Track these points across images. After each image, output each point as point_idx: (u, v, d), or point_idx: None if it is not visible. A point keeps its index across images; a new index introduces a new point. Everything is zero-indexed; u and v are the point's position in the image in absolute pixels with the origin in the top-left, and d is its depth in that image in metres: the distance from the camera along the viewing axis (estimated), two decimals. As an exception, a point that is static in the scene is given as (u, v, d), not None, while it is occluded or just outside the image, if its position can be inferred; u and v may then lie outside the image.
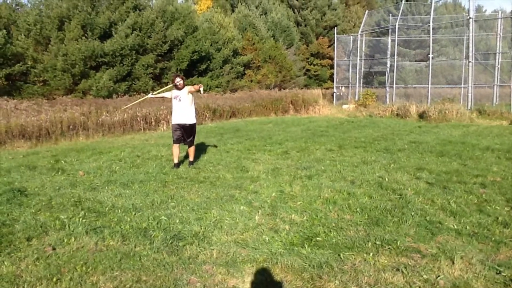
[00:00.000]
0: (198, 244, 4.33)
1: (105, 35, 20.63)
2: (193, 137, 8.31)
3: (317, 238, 4.40)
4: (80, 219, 5.03)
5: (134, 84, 21.21)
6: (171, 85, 8.54)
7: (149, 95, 8.93)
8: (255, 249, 4.19)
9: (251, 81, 28.66)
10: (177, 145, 8.15)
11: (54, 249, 4.20)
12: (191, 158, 8.34)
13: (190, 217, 5.12)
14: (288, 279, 3.59)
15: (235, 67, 27.64)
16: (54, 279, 3.59)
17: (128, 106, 11.37)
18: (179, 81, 8.10)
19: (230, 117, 18.33)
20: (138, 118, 14.57)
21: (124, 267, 3.81)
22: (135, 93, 20.44)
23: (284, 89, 25.65)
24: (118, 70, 20.28)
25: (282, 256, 3.99)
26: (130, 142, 11.79)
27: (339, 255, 4.00)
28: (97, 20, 20.24)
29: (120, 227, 4.80)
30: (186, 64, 23.44)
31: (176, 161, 8.14)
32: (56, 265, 3.86)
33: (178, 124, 8.14)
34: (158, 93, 9.06)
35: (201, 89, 8.28)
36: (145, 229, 4.73)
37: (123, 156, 9.39)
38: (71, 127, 12.78)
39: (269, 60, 29.84)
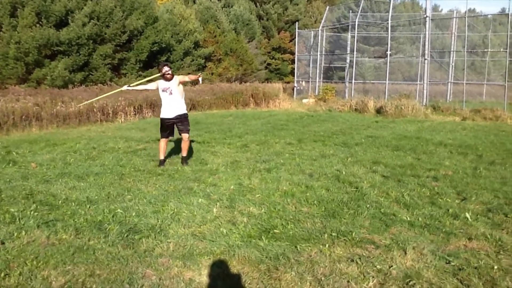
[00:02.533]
0: (155, 237, 4.27)
1: (61, 23, 19.93)
2: (188, 125, 7.61)
3: (275, 230, 4.42)
4: (32, 212, 4.86)
5: (92, 74, 20.65)
6: (157, 75, 7.77)
7: (125, 87, 7.98)
8: (213, 241, 4.17)
9: (212, 74, 28.46)
10: (165, 140, 7.59)
11: (3, 243, 4.04)
12: (184, 153, 7.64)
13: (147, 210, 5.04)
14: (245, 271, 3.59)
15: (196, 60, 27.37)
16: (2, 274, 3.45)
17: (93, 100, 10.56)
18: (167, 70, 7.29)
19: (190, 109, 18.05)
20: (94, 109, 14.19)
21: (77, 261, 3.71)
22: (92, 83, 19.93)
23: (245, 82, 25.60)
24: (74, 59, 19.68)
25: (239, 248, 3.99)
26: (86, 134, 11.49)
27: (296, 246, 4.03)
28: (53, 7, 19.53)
29: (73, 220, 4.68)
30: (146, 55, 23.02)
31: (162, 157, 7.55)
32: (4, 259, 3.72)
33: (169, 119, 7.48)
34: (137, 85, 8.16)
35: (201, 78, 7.66)
36: (100, 222, 4.63)
37: (78, 148, 9.14)
38: (24, 117, 12.31)
39: (230, 53, 29.71)
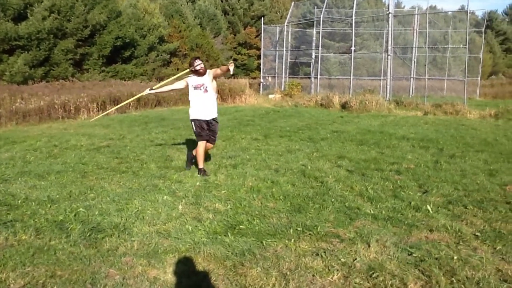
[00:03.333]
0: (118, 235, 4.19)
1: (20, 17, 19.32)
2: (217, 133, 6.86)
3: (241, 226, 4.42)
4: (-11, 213, 4.69)
5: (53, 70, 20.12)
6: (185, 71, 6.68)
7: (147, 92, 6.84)
8: (178, 239, 4.13)
9: (178, 69, 28.17)
10: (205, 142, 6.60)
11: (-43, 245, 3.88)
12: (200, 165, 6.63)
13: (111, 208, 4.94)
14: (210, 268, 3.57)
15: (161, 55, 27.06)
16: (-43, 278, 3.32)
17: (108, 111, 8.67)
18: (199, 64, 6.37)
19: (156, 106, 17.93)
20: (56, 106, 13.81)
21: (37, 262, 3.60)
22: (53, 79, 19.39)
23: (211, 78, 25.44)
24: (34, 54, 19.11)
25: (205, 245, 3.96)
26: (47, 131, 11.17)
27: (261, 242, 4.03)
28: (10, 0, 18.88)
29: (33, 220, 4.54)
30: (109, 50, 22.61)
31: (202, 165, 6.54)
32: (-41, 263, 3.57)
33: (205, 121, 6.55)
34: (162, 86, 7.10)
35: (232, 68, 6.19)
36: (61, 222, 4.50)
37: (38, 145, 8.88)
38: (-20, 114, 11.89)
39: (196, 48, 29.50)
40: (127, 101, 7.62)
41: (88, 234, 4.19)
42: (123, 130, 11.09)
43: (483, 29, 30.79)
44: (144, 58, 25.48)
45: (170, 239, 4.13)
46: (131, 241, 4.07)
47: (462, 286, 3.21)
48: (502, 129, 11.87)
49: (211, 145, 6.83)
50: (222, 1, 40.00)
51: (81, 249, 3.88)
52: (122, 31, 23.02)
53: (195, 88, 6.51)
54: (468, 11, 19.02)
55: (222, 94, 20.26)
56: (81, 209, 4.86)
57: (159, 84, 7.28)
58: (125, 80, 21.82)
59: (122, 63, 24.14)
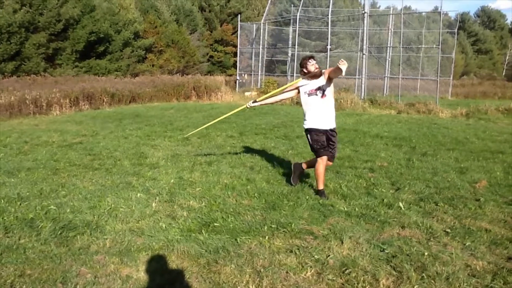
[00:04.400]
0: (90, 233, 4.12)
1: (-11, 10, 18.82)
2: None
3: (215, 224, 4.40)
4: (-45, 211, 4.55)
5: (24, 64, 19.66)
6: (295, 82, 5.62)
7: (250, 104, 5.87)
8: (151, 236, 4.09)
9: (153, 65, 27.90)
10: (325, 157, 5.45)
11: None
12: (320, 186, 5.45)
13: (83, 206, 4.87)
14: (184, 266, 3.55)
15: (136, 51, 26.71)
16: None
17: (209, 124, 7.41)
18: (313, 64, 5.34)
19: (130, 102, 17.70)
20: (27, 101, 13.49)
21: (6, 261, 3.52)
22: (24, 74, 18.95)
23: (187, 74, 25.27)
24: (4, 48, 18.63)
25: (179, 242, 3.94)
26: (17, 127, 10.91)
27: (236, 239, 4.03)
28: (-20, -8, 18.39)
29: (2, 218, 4.43)
30: (83, 45, 22.21)
31: (322, 186, 5.43)
32: None
33: (324, 131, 5.44)
34: (267, 97, 6.00)
35: (344, 67, 4.77)
36: (31, 219, 4.40)
37: (8, 142, 8.67)
38: None
39: (172, 44, 29.22)
40: (227, 115, 6.47)
41: (59, 232, 4.11)
42: (96, 127, 10.92)
43: (456, 30, 31.47)
44: (119, 54, 25.11)
45: (143, 237, 4.09)
46: (104, 239, 4.01)
47: (432, 281, 3.26)
48: (473, 128, 12.14)
49: (331, 163, 5.66)
50: (198, -2, 39.73)
51: (51, 248, 3.81)
52: (96, 26, 22.64)
53: (309, 94, 5.35)
54: (442, 12, 19.40)
55: (198, 91, 20.15)
56: (52, 206, 4.77)
57: (264, 96, 6.11)
58: (99, 76, 21.48)
59: (96, 58, 23.75)
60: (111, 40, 24.46)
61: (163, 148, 8.34)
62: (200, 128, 7.85)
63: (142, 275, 3.40)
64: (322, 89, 5.30)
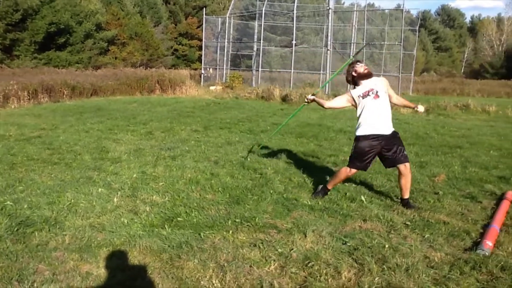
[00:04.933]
0: (49, 230, 4.00)
1: None
2: (403, 147, 5.08)
3: (178, 219, 4.35)
4: None
5: (-21, 55, 18.88)
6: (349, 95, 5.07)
7: (309, 97, 5.56)
8: (113, 232, 4.00)
9: (116, 58, 27.36)
10: (355, 171, 5.09)
11: None
12: (406, 193, 4.96)
13: (41, 201, 4.71)
14: (146, 261, 3.49)
15: (98, 43, 26.13)
16: None
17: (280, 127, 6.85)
18: (362, 65, 5.00)
19: (91, 95, 17.28)
20: (-18, 94, 12.97)
21: (-43, 260, 3.37)
22: (-21, 65, 18.22)
23: (150, 68, 24.92)
24: (-42, 38, 17.85)
25: (141, 238, 3.87)
26: (-28, 120, 10.48)
27: (199, 234, 4.00)
28: None
29: (-46, 215, 4.24)
30: (42, 37, 21.56)
31: (330, 187, 5.22)
32: None
33: (378, 136, 4.90)
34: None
35: (421, 109, 5.20)
36: (-15, 216, 4.23)
37: (-38, 135, 8.32)
38: None
39: (135, 37, 28.73)
40: (290, 117, 6.03)
41: (16, 228, 3.97)
42: (56, 120, 10.61)
43: (417, 28, 32.24)
44: (80, 46, 24.49)
45: (104, 232, 4.00)
46: (63, 235, 3.90)
47: (393, 273, 3.33)
48: (432, 123, 12.48)
49: (408, 165, 4.98)
50: (163, -10, 39.14)
51: (7, 245, 3.67)
52: (56, 17, 21.99)
53: (363, 97, 4.88)
54: (404, 10, 19.84)
55: (162, 85, 19.88)
56: (8, 202, 4.60)
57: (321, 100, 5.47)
58: (59, 68, 20.88)
59: (56, 50, 23.09)
60: (72, 31, 23.82)
61: (125, 142, 8.19)
62: (279, 127, 7.85)
63: (102, 272, 3.33)
64: (375, 89, 4.87)
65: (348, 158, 5.20)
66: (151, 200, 4.90)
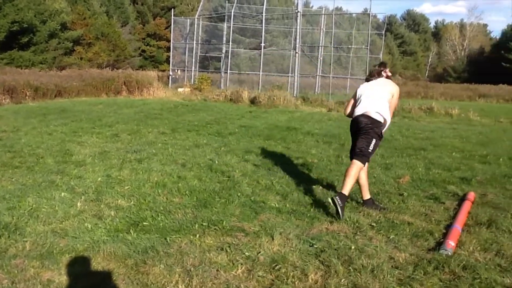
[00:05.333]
0: (8, 236, 3.86)
1: None
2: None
3: (144, 223, 4.28)
4: None
5: None
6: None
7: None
8: (76, 238, 3.90)
9: (81, 58, 26.82)
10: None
11: None
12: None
13: (0, 206, 4.56)
14: (111, 267, 3.42)
15: (63, 43, 25.55)
16: None
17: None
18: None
19: (56, 96, 16.86)
20: None
21: None
22: None
23: (117, 69, 24.53)
24: None
25: (105, 243, 3.78)
26: None
27: (165, 238, 3.94)
28: None
29: None
30: (4, 36, 20.91)
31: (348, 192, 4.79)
32: None
33: None
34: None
35: None
36: None
37: None
38: None
39: (101, 37, 28.24)
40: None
41: (-28, 235, 3.82)
42: (17, 122, 10.30)
43: (383, 32, 32.90)
44: (44, 45, 23.89)
45: (67, 238, 3.89)
46: (23, 241, 3.77)
47: (358, 274, 3.36)
48: (397, 126, 12.71)
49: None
50: (130, -10, 38.61)
51: (-37, 253, 3.53)
52: (19, 15, 21.37)
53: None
54: (371, 14, 20.16)
55: (129, 86, 19.58)
56: (-35, 208, 4.42)
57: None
58: (21, 68, 20.28)
59: (19, 49, 22.44)
60: (35, 30, 23.20)
61: (90, 145, 8.01)
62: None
63: (64, 279, 3.23)
64: None
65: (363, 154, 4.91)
66: (116, 204, 4.80)
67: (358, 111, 5.04)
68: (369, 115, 4.91)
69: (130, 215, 4.49)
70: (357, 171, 4.84)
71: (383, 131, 5.02)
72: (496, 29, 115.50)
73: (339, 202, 4.54)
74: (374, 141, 4.89)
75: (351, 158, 5.08)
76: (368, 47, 19.57)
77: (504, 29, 58.29)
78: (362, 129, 4.94)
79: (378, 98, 4.96)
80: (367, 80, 5.22)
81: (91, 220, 4.34)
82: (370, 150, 4.89)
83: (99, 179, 5.73)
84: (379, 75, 5.13)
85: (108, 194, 5.10)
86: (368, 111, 4.94)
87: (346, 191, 4.70)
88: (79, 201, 4.82)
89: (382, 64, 5.34)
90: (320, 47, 25.37)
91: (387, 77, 5.18)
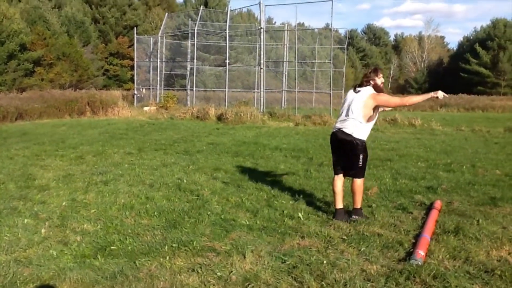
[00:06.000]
0: (-33, 268, 3.68)
1: None
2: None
3: (112, 247, 4.16)
4: None
5: None
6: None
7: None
8: (40, 266, 3.75)
9: (43, 79, 26.23)
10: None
11: None
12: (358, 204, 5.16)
13: (-41, 236, 4.35)
14: (78, 295, 3.30)
15: (23, 64, 24.97)
16: None
17: None
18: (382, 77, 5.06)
19: (16, 119, 16.41)
20: None
21: None
22: None
23: (80, 89, 24.09)
24: None
25: (71, 270, 3.65)
26: None
27: (134, 262, 3.84)
28: None
29: None
30: (-40, 58, 20.24)
31: (360, 204, 5.13)
32: None
33: None
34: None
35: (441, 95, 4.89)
36: None
37: None
38: None
39: (63, 57, 27.73)
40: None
41: None
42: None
43: (345, 46, 33.61)
44: (3, 67, 23.28)
45: (31, 267, 3.74)
46: (-17, 273, 3.60)
47: (331, 289, 3.35)
48: (363, 137, 12.92)
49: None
50: (92, 9, 38.19)
51: None
52: (-25, 37, 20.77)
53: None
54: (332, 29, 20.51)
55: (93, 107, 19.25)
56: None
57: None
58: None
59: (-24, 72, 21.78)
60: (-7, 52, 22.57)
61: (54, 168, 7.79)
62: None
63: (28, 310, 3.10)
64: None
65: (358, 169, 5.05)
66: (82, 229, 4.66)
67: (335, 126, 5.11)
68: (343, 131, 4.96)
69: (97, 239, 4.37)
70: (359, 185, 5.05)
71: (363, 139, 4.97)
72: (453, 41, 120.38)
73: (359, 216, 4.93)
74: (361, 156, 4.96)
75: (335, 173, 5.19)
76: (331, 61, 19.89)
77: (460, 41, 60.76)
78: (344, 146, 5.02)
79: (350, 111, 4.93)
80: (355, 88, 5.06)
81: (56, 246, 4.19)
82: (361, 165, 4.98)
83: (64, 203, 5.56)
84: (367, 83, 4.96)
85: (73, 219, 4.95)
86: (342, 127, 4.98)
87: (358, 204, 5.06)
88: (43, 228, 4.65)
89: (373, 71, 5.08)
90: (284, 62, 25.66)
91: (375, 85, 4.95)
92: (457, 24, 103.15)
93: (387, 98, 4.99)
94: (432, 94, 4.86)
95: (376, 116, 5.06)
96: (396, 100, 5.31)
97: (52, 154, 9.17)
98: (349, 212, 5.18)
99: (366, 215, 5.08)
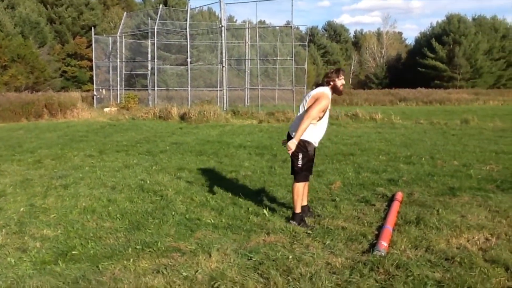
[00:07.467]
0: None
1: None
2: None
3: (73, 252, 4.05)
4: None
5: None
6: (323, 89, 4.83)
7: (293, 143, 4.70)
8: (-3, 275, 3.61)
9: (-4, 83, 25.29)
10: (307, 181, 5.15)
11: None
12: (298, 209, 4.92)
13: None
14: (38, 303, 3.19)
15: (-25, 67, 23.97)
16: None
17: None
18: (343, 78, 4.88)
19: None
20: None
21: None
22: None
23: (37, 91, 23.33)
24: None
25: (31, 278, 3.53)
26: None
27: (97, 266, 3.75)
28: None
29: None
30: None
31: (299, 209, 4.88)
32: None
33: (315, 147, 5.12)
34: (304, 128, 4.75)
35: None
36: None
37: None
38: None
39: (18, 59, 26.82)
40: None
41: None
42: None
43: (307, 43, 33.90)
44: (-47, 71, 22.29)
45: (-13, 276, 3.59)
46: None
47: (297, 283, 3.37)
48: (326, 133, 13.03)
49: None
50: (47, 9, 37.07)
51: None
52: None
53: (329, 109, 4.96)
54: (293, 27, 20.67)
55: (51, 109, 18.71)
56: None
57: (301, 129, 4.70)
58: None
59: None
60: None
61: (10, 173, 7.52)
62: None
63: (-15, 322, 2.97)
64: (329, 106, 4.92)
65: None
66: (41, 235, 4.52)
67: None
68: (292, 129, 4.96)
69: (58, 245, 4.24)
70: (296, 189, 4.89)
71: (306, 139, 4.87)
72: (410, 36, 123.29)
73: (296, 222, 4.73)
74: (300, 155, 4.86)
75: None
76: (293, 58, 20.05)
77: (417, 36, 62.30)
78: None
79: (301, 109, 4.94)
80: (317, 86, 4.98)
81: (14, 254, 4.05)
82: (300, 165, 4.89)
83: (22, 209, 5.38)
84: (327, 83, 4.85)
85: (32, 225, 4.79)
86: (293, 125, 5.00)
87: (296, 209, 4.85)
88: (0, 235, 4.48)
89: (335, 71, 4.91)
90: (246, 60, 25.67)
91: (334, 86, 4.84)
92: (414, 20, 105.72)
93: (314, 109, 4.71)
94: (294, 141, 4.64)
95: (325, 117, 4.94)
96: (308, 115, 4.76)
97: (8, 159, 8.85)
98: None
99: (306, 224, 4.75)
